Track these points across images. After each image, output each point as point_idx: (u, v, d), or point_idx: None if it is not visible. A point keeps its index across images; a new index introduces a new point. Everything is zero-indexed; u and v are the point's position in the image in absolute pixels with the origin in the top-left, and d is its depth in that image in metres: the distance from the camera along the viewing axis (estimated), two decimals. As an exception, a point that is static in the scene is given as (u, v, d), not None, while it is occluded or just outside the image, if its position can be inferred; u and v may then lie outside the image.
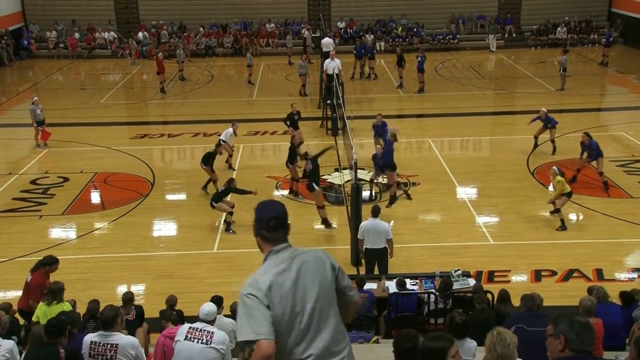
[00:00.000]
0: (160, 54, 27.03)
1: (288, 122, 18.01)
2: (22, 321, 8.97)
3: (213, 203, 13.65)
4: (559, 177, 13.33)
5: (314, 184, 13.51)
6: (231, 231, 13.67)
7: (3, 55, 31.03)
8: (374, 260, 10.96)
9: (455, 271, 10.00)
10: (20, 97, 26.04)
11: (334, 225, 13.82)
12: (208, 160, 15.36)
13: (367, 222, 11.02)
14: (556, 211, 13.64)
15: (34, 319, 8.34)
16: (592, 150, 14.97)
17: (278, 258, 3.47)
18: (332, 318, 3.47)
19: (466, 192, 15.44)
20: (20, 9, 34.03)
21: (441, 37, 33.57)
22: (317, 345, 3.38)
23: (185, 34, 33.35)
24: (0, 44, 31.01)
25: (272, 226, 3.52)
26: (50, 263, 9.20)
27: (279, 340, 3.28)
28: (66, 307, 8.29)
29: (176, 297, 9.20)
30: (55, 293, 8.28)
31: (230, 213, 13.76)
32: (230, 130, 17.11)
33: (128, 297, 9.11)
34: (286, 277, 3.39)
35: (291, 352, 3.35)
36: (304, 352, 3.36)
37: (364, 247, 11.01)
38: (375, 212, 11.02)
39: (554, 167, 13.71)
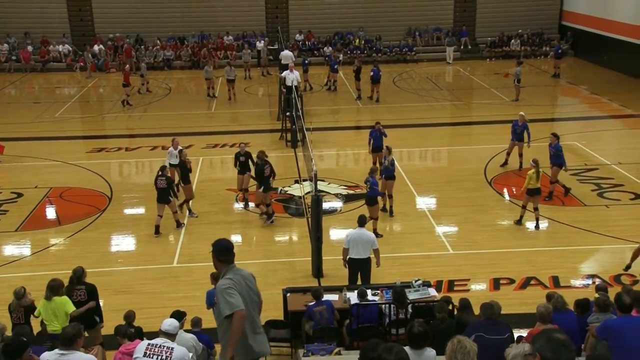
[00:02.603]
0: (128, 66, 26.70)
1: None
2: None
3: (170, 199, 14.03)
4: (531, 171, 13.72)
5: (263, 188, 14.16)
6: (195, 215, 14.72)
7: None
8: (358, 269, 10.95)
9: (416, 281, 10.07)
10: (-29, 111, 25.35)
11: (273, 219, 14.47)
12: (187, 177, 14.89)
13: (353, 232, 11.01)
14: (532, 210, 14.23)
15: (35, 313, 8.74)
16: (555, 152, 15.08)
17: (232, 271, 6.01)
18: (254, 309, 6.13)
19: (425, 202, 15.61)
20: (-30, 21, 33.23)
21: (398, 49, 34.00)
22: (255, 316, 6.15)
23: (142, 46, 33.00)
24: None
25: (225, 254, 6.02)
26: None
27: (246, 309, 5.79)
28: (65, 301, 8.60)
29: (134, 313, 9.04)
30: (54, 289, 8.59)
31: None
32: (171, 148, 15.78)
33: (78, 274, 9.08)
34: (240, 279, 5.98)
35: (250, 316, 5.93)
36: (254, 316, 6.09)
37: (348, 256, 10.97)
38: (362, 222, 11.02)
39: (532, 160, 14.04)
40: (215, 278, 9.13)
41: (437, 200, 15.96)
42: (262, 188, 14.29)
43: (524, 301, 11.03)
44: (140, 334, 8.68)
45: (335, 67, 27.48)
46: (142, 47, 32.96)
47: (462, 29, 34.86)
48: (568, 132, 21.18)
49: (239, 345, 5.82)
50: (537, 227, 14.07)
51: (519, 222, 14.17)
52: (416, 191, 16.29)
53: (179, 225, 14.31)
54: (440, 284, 11.70)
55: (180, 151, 15.22)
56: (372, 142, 16.62)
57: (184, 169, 14.77)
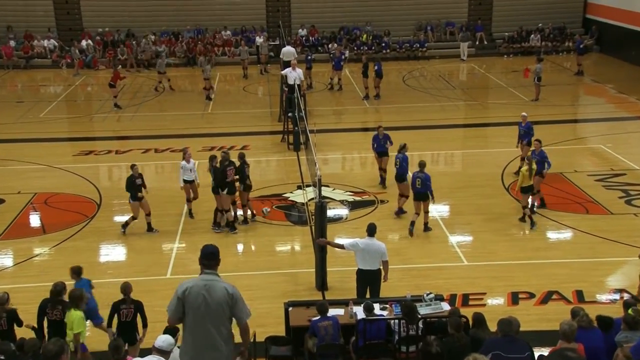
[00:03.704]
0: (120, 66, 26.82)
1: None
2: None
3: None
4: (524, 168, 14.28)
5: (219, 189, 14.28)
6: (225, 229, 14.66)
7: None
8: (367, 282, 10.97)
9: (428, 294, 10.07)
10: (-51, 111, 25.48)
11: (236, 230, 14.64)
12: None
13: (361, 241, 11.02)
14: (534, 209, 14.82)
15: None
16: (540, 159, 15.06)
17: (199, 276, 6.59)
18: (206, 321, 6.42)
19: (437, 210, 15.60)
20: (-50, 14, 33.40)
21: (408, 45, 34.07)
22: (209, 330, 6.45)
23: (134, 41, 33.13)
24: None
25: (204, 258, 6.68)
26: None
27: None
28: (75, 317, 8.76)
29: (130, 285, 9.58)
30: (72, 300, 8.86)
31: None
32: (183, 162, 15.22)
33: (58, 289, 9.16)
34: (197, 286, 6.54)
35: (190, 327, 6.50)
36: (203, 330, 6.44)
37: (357, 268, 11.01)
38: (372, 231, 11.04)
39: (526, 156, 14.78)
40: (75, 272, 10.22)
41: (450, 208, 15.97)
42: (226, 190, 14.39)
43: (545, 317, 11.03)
44: (139, 309, 9.28)
45: (341, 64, 27.55)
46: (134, 42, 33.04)
47: (477, 23, 34.91)
48: (592, 135, 21.22)
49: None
50: (522, 219, 14.78)
51: (522, 219, 14.77)
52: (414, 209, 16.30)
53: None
54: (453, 297, 11.70)
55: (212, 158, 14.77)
56: (376, 146, 16.69)
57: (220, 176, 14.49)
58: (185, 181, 15.12)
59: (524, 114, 17.53)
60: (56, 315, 9.06)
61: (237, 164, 14.69)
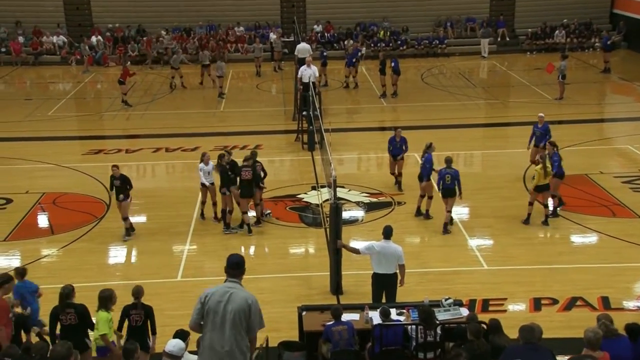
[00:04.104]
0: (129, 62, 26.99)
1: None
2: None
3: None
4: (538, 166, 14.39)
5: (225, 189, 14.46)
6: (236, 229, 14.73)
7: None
8: (383, 286, 10.97)
9: (446, 300, 10.04)
10: (-44, 109, 25.76)
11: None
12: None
13: (377, 244, 11.02)
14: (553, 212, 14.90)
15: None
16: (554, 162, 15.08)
17: (223, 284, 6.78)
18: (222, 327, 6.67)
19: (456, 212, 15.50)
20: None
21: (427, 41, 33.98)
22: (221, 335, 6.73)
23: (145, 38, 33.29)
24: None
25: (229, 267, 6.87)
26: (6, 281, 9.25)
27: None
28: (101, 318, 8.88)
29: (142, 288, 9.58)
30: (101, 300, 8.99)
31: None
32: (202, 165, 15.10)
33: (66, 292, 9.05)
34: (217, 293, 6.76)
35: (208, 332, 6.78)
36: (218, 335, 6.72)
37: (373, 272, 11.03)
38: (388, 234, 11.02)
39: (539, 155, 14.90)
40: (19, 273, 10.13)
41: (470, 210, 15.91)
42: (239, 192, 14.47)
43: (569, 324, 10.95)
44: (149, 314, 9.30)
45: (353, 60, 27.54)
46: (153, 38, 33.12)
47: (499, 19, 34.76)
48: (619, 135, 21.06)
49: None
50: (545, 222, 14.70)
51: (526, 221, 14.81)
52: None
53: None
54: (473, 303, 11.65)
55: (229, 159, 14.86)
56: (391, 149, 16.68)
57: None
58: (203, 184, 15.08)
59: (540, 114, 17.41)
60: (70, 319, 8.97)
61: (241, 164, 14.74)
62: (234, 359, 6.59)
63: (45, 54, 33.17)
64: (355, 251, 11.35)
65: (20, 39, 33.18)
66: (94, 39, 33.09)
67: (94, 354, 9.12)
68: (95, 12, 34.59)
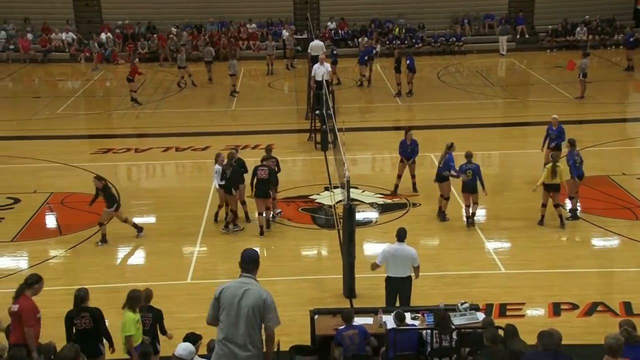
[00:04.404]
0: (137, 59, 27.14)
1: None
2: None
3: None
4: (548, 165, 14.41)
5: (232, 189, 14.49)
6: (238, 227, 14.76)
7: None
8: (397, 290, 10.94)
9: (462, 304, 10.00)
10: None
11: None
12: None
13: (390, 247, 11.00)
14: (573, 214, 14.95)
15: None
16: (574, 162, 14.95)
17: (237, 280, 6.92)
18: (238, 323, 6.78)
19: (475, 214, 15.50)
20: (-34, 6, 34.05)
21: (444, 38, 33.89)
22: (240, 331, 6.84)
23: (156, 34, 33.39)
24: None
25: (242, 261, 6.98)
26: (35, 282, 9.31)
27: None
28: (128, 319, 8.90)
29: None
30: (133, 300, 9.08)
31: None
32: (217, 166, 14.91)
33: (81, 295, 9.05)
34: (232, 288, 6.89)
35: (224, 325, 6.89)
36: (235, 331, 6.83)
37: (386, 275, 11.02)
38: (401, 236, 11.01)
39: (550, 154, 14.91)
40: None
41: (487, 212, 15.84)
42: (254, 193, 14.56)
43: (590, 330, 10.88)
44: (158, 317, 9.30)
45: (365, 58, 27.51)
46: (166, 35, 33.25)
47: (519, 16, 34.62)
48: (642, 135, 20.87)
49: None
50: (562, 224, 14.57)
51: (540, 222, 14.71)
52: (463, 201, 16.20)
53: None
54: (490, 307, 11.60)
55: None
56: (401, 151, 16.63)
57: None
58: (220, 186, 14.90)
59: (554, 116, 17.29)
60: (85, 323, 8.96)
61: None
62: (249, 352, 6.74)
63: (54, 51, 33.37)
64: (375, 266, 11.27)
65: (29, 35, 33.41)
66: (103, 36, 33.28)
67: (124, 355, 9.10)
68: (105, 8, 34.79)
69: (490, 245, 14.12)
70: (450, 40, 33.86)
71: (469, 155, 14.57)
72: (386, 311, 9.94)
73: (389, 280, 10.99)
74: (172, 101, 26.37)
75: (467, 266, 13.28)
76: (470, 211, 14.77)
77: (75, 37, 33.80)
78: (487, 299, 11.84)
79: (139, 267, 13.86)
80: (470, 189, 14.54)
